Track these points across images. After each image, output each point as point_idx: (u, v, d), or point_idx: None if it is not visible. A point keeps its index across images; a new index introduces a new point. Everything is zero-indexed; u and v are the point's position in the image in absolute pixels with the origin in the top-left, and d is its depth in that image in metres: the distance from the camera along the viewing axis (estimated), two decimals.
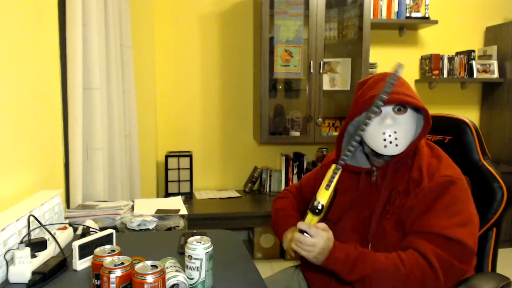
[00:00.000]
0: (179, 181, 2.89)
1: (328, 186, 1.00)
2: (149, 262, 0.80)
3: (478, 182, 1.20)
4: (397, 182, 1.09)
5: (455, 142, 1.26)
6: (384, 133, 1.06)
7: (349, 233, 1.14)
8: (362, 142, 1.17)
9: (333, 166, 1.01)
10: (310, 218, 1.00)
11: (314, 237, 0.97)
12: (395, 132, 1.05)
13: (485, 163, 1.21)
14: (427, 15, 3.06)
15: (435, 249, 0.97)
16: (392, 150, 1.06)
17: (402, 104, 1.06)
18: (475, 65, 3.22)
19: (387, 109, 1.07)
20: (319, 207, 0.98)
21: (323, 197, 0.99)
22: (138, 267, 0.78)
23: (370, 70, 2.90)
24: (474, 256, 1.03)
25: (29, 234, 1.05)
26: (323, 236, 0.98)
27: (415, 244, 1.00)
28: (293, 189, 1.44)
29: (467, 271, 1.03)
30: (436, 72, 3.19)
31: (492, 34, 3.33)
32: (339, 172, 1.00)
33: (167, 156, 2.87)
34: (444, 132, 1.30)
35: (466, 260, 0.99)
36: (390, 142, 1.06)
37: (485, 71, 3.23)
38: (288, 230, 1.21)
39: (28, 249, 0.97)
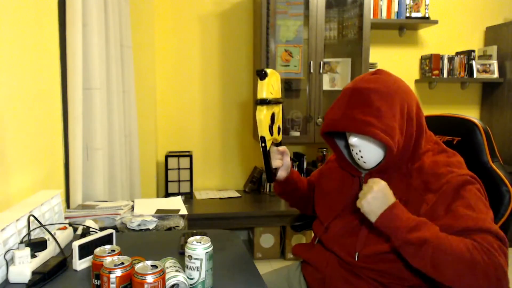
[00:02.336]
0: (179, 181, 2.89)
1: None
2: (149, 262, 0.80)
3: (486, 185, 1.13)
4: (392, 189, 1.03)
5: (464, 143, 1.23)
6: (352, 150, 1.10)
7: (339, 238, 1.14)
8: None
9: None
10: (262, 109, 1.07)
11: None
12: (360, 151, 1.07)
13: (493, 165, 1.17)
14: (427, 15, 3.06)
15: (496, 241, 0.90)
16: (363, 165, 1.10)
17: None
18: (475, 65, 3.22)
19: None
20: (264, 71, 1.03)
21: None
22: (138, 267, 0.78)
23: (370, 70, 2.89)
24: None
25: (29, 234, 1.05)
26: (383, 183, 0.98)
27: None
28: None
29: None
30: (436, 72, 3.19)
31: (492, 34, 3.33)
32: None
33: (167, 156, 2.87)
34: (453, 133, 1.27)
35: (506, 253, 0.91)
36: (358, 159, 1.10)
37: (485, 71, 3.23)
38: None
39: (28, 249, 0.97)
